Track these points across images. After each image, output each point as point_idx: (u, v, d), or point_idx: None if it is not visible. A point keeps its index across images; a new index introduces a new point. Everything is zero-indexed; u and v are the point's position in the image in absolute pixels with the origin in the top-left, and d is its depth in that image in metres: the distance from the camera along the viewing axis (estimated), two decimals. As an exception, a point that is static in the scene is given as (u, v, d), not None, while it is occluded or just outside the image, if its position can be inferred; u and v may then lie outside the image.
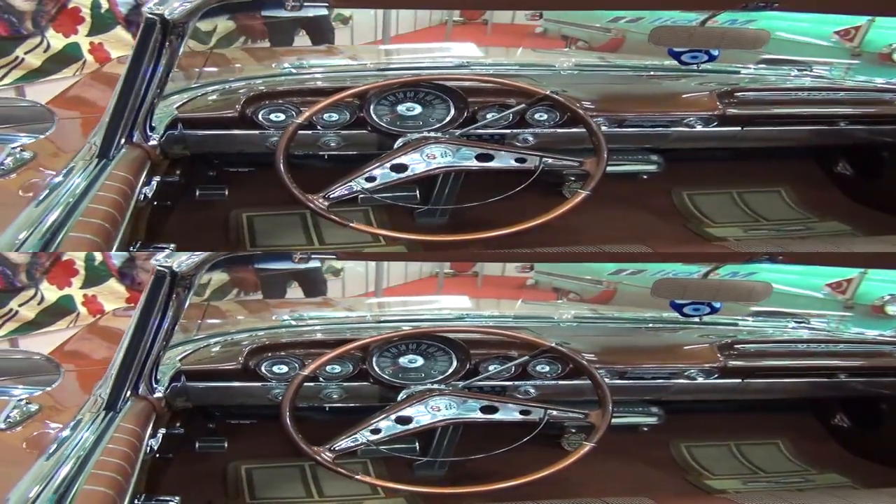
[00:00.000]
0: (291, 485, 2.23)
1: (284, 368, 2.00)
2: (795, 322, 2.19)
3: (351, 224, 2.01)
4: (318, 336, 2.05)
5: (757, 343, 2.19)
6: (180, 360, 1.99)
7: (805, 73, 2.24)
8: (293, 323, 2.07)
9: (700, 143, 2.31)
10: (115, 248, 1.71)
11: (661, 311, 2.16)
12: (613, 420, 2.23)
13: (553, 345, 2.00)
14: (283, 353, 1.99)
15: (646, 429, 2.36)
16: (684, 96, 2.20)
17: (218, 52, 2.07)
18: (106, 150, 1.82)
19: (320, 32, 2.08)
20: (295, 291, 2.11)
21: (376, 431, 1.96)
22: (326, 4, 2.06)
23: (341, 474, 1.92)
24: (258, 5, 2.04)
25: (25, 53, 2.06)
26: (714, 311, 2.19)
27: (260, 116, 2.01)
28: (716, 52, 2.22)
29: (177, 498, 1.95)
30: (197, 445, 2.26)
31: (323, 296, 2.11)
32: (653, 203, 2.51)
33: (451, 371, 2.00)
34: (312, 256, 2.09)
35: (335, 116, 2.07)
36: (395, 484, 2.14)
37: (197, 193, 2.34)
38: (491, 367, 2.01)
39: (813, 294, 2.19)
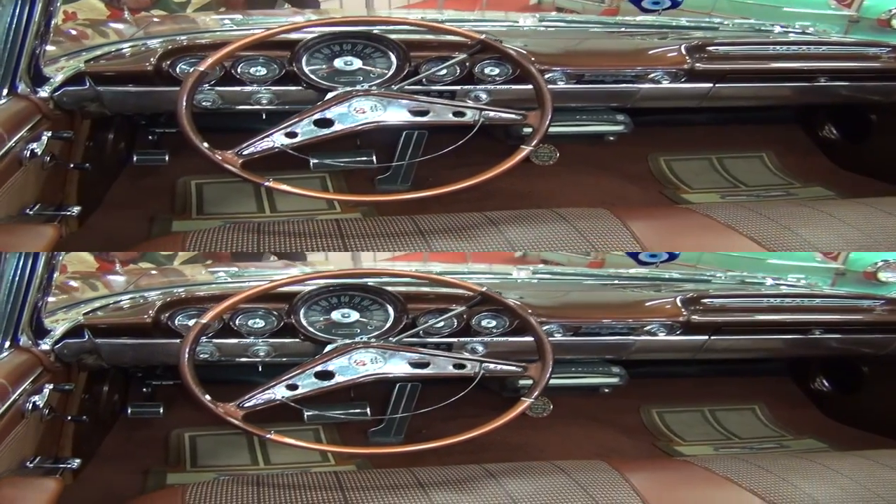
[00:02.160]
0: (237, 452, 2.01)
1: None
2: (773, 279, 1.90)
3: (267, 183, 1.71)
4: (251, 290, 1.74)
5: (724, 297, 1.91)
6: (84, 314, 1.73)
7: (789, 29, 1.96)
8: (228, 279, 1.81)
9: (669, 101, 2.03)
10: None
11: (627, 267, 1.88)
12: (571, 381, 1.98)
13: (484, 290, 1.72)
14: (196, 307, 1.73)
15: (607, 390, 2.09)
16: (651, 51, 1.93)
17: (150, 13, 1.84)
18: None
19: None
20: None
21: (293, 387, 1.67)
22: None
23: (251, 433, 1.65)
24: None
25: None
26: (676, 5, 1.88)
27: (177, 70, 1.79)
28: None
29: (76, 460, 1.72)
30: (129, 411, 2.03)
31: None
32: (627, 168, 2.26)
33: (387, 326, 1.75)
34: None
35: (263, 70, 1.81)
36: (322, 445, 1.88)
37: (135, 159, 2.10)
38: (429, 322, 1.75)
39: (804, 263, 1.93)
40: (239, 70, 1.80)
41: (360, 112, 1.74)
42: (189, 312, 1.77)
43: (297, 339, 1.80)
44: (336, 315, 1.77)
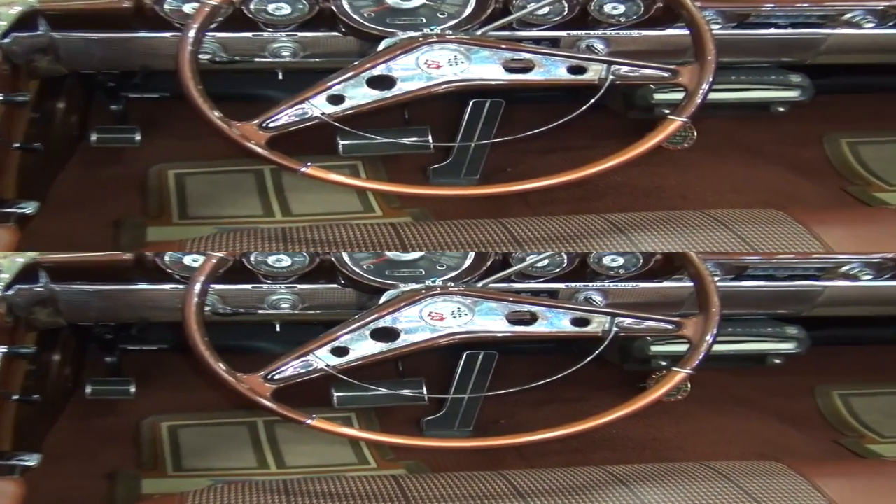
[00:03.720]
0: (236, 450, 2.01)
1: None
2: None
3: (305, 168, 1.68)
4: None
5: None
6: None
7: None
8: None
9: (869, 55, 2.03)
10: None
11: None
12: (728, 346, 1.94)
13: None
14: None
15: (778, 361, 2.04)
16: None
17: None
18: None
19: None
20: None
21: (341, 352, 1.67)
22: None
23: (283, 417, 1.67)
24: None
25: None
26: None
27: (166, 7, 1.80)
28: None
29: (35, 456, 1.73)
30: (88, 390, 2.04)
31: None
32: (794, 154, 2.27)
33: (468, 12, 1.79)
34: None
35: (286, 8, 1.81)
36: (376, 435, 1.85)
37: (94, 138, 2.12)
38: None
39: None
40: (252, 7, 1.80)
41: (434, 66, 1.73)
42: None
43: (334, 286, 1.79)
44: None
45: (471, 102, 2.01)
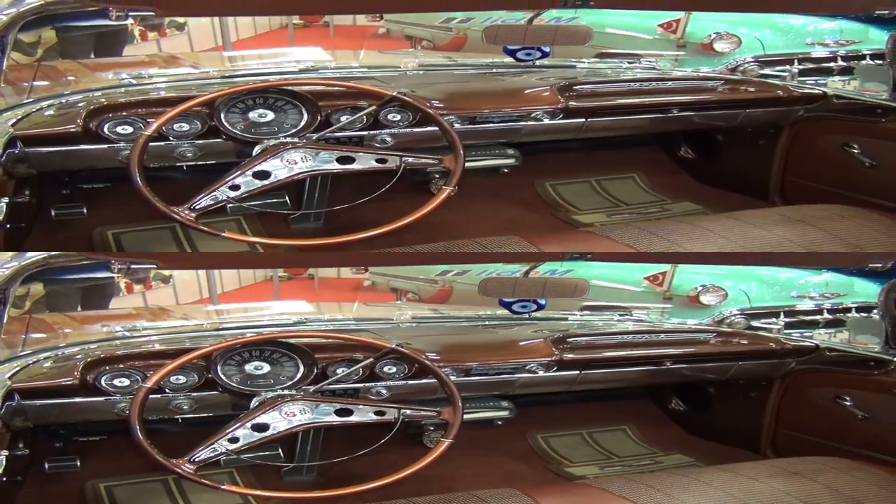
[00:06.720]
0: (156, 499, 2.07)
1: (126, 381, 1.86)
2: (619, 315, 2.16)
3: (223, 234, 1.87)
4: (156, 347, 1.87)
5: (586, 336, 2.09)
6: (10, 377, 1.81)
7: (635, 64, 2.21)
8: (126, 334, 1.90)
9: (551, 135, 2.25)
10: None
11: (494, 308, 2.11)
12: (467, 416, 2.14)
13: (394, 346, 1.91)
14: (121, 366, 1.85)
15: (500, 423, 2.25)
16: (527, 91, 2.14)
17: (47, 65, 1.89)
18: None
19: (115, 44, 1.94)
20: (121, 302, 1.93)
21: (234, 440, 1.83)
22: (152, 12, 1.89)
23: (206, 486, 1.80)
24: (80, 16, 1.89)
25: None
26: (540, 307, 2.14)
27: (106, 130, 1.87)
28: (547, 49, 2.15)
29: None
30: (46, 466, 2.07)
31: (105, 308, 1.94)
32: (520, 195, 2.46)
33: (299, 376, 1.90)
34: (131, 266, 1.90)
35: (186, 126, 1.93)
36: (264, 491, 1.99)
37: (53, 213, 2.15)
38: (338, 371, 1.92)
39: (633, 288, 2.12)
40: (164, 128, 1.91)
41: (293, 163, 1.90)
42: (116, 371, 1.86)
43: (216, 392, 1.91)
44: (249, 368, 1.91)
45: (308, 177, 2.11)
